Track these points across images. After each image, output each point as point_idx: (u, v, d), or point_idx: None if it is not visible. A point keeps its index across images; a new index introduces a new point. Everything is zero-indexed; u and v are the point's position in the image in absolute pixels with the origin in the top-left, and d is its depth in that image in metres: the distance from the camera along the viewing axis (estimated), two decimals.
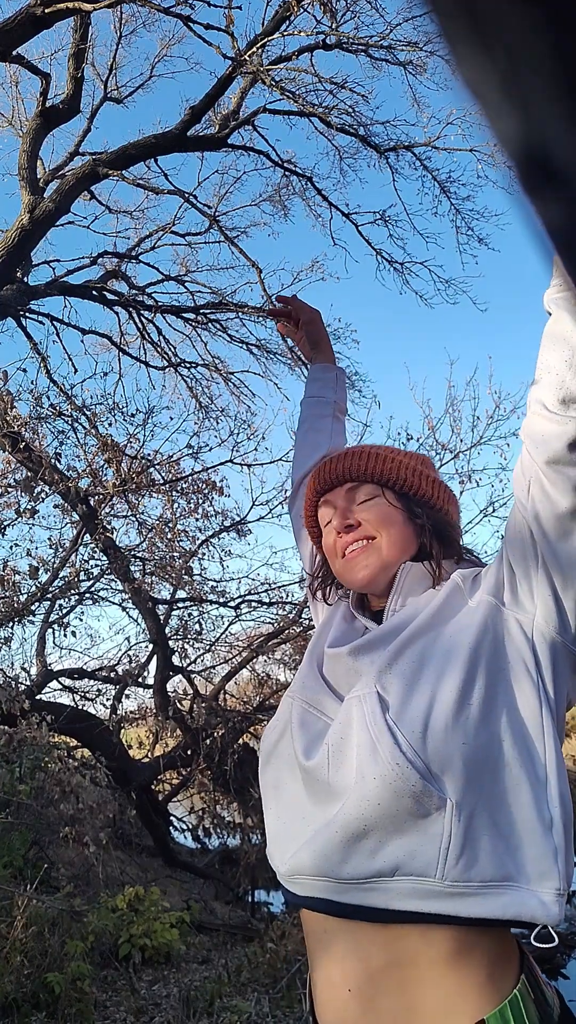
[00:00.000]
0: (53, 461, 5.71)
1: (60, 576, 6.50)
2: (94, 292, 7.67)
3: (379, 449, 1.06)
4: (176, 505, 6.97)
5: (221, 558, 7.27)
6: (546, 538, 0.82)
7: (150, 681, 7.07)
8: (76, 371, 9.85)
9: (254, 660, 7.30)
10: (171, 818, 7.62)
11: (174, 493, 6.86)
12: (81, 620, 7.78)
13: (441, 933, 0.78)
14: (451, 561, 1.01)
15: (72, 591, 6.83)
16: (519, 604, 0.86)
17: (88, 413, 6.36)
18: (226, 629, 7.53)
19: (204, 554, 7.13)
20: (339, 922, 0.83)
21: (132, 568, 6.46)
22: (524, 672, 0.83)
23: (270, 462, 6.97)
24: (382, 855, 0.79)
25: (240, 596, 7.27)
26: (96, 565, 6.78)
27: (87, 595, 7.05)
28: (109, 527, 6.23)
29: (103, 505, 6.15)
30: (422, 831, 0.78)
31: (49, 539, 6.58)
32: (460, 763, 0.78)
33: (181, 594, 7.13)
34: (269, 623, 7.37)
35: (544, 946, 0.78)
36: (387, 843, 0.79)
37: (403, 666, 0.87)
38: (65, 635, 6.80)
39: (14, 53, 4.96)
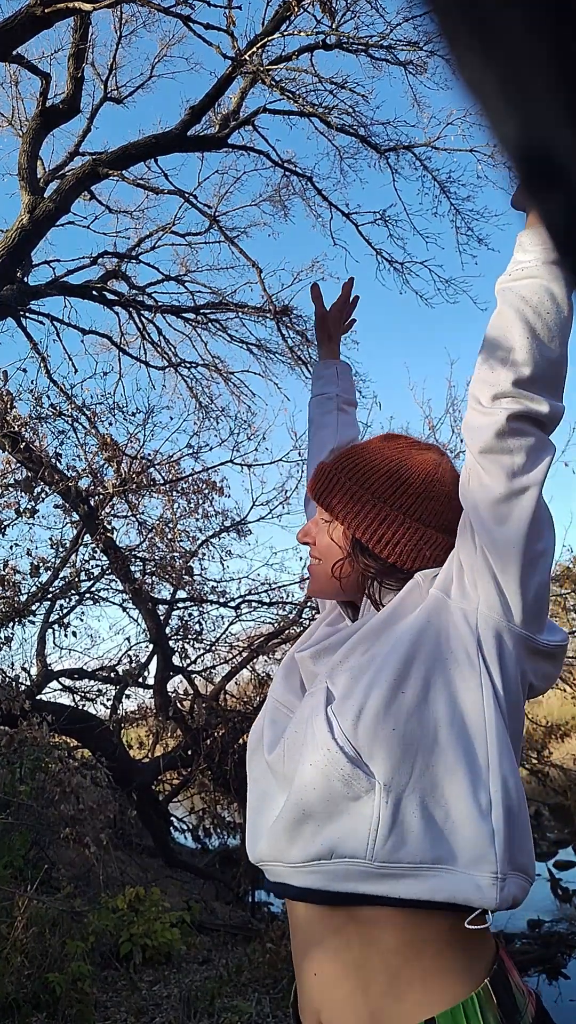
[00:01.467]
0: (53, 461, 5.71)
1: (60, 576, 6.50)
2: (94, 292, 7.67)
3: (352, 475, 1.00)
4: (176, 505, 6.98)
5: (221, 558, 7.28)
6: (484, 526, 0.85)
7: (150, 681, 7.08)
8: (76, 371, 9.86)
9: (254, 660, 7.29)
10: (171, 818, 7.62)
11: (174, 493, 6.87)
12: (81, 620, 7.78)
13: (385, 916, 0.80)
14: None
15: (72, 591, 6.83)
16: (464, 595, 0.88)
17: (88, 413, 6.37)
18: (226, 629, 7.53)
19: (204, 554, 7.14)
20: (302, 907, 0.88)
21: (132, 568, 6.46)
22: (466, 661, 0.85)
23: (270, 462, 6.97)
24: (319, 838, 0.82)
25: (240, 596, 7.27)
26: (96, 565, 6.79)
27: (87, 595, 7.05)
28: (109, 527, 6.24)
29: (103, 505, 6.15)
30: (354, 813, 0.81)
31: (50, 539, 6.58)
32: (389, 747, 0.81)
33: (181, 594, 7.13)
34: (269, 623, 7.37)
35: (477, 927, 0.79)
36: (324, 826, 0.82)
37: (352, 662, 0.90)
38: (65, 635, 6.80)
39: (14, 53, 4.96)
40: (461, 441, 6.84)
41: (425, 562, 0.95)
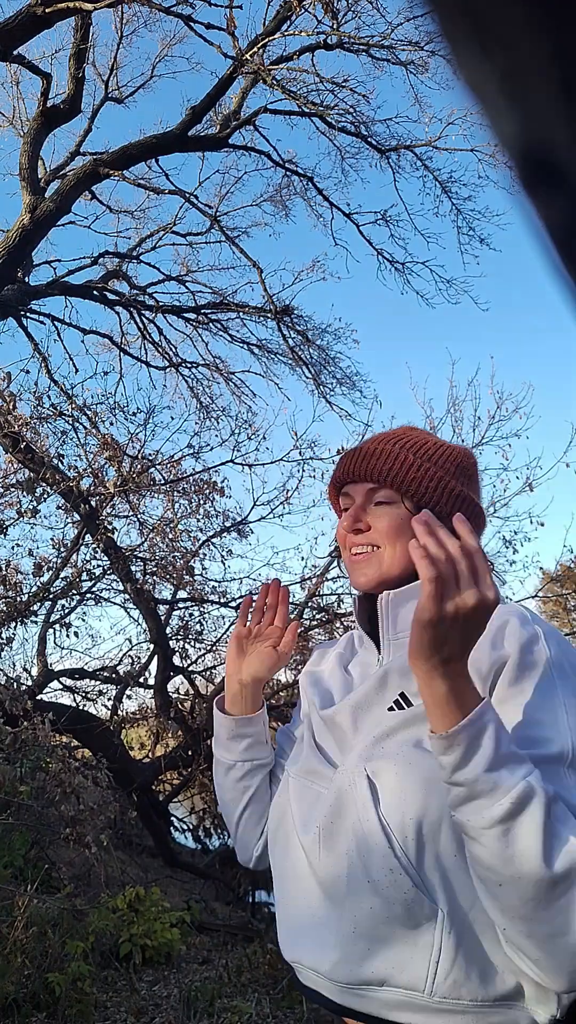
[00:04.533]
0: (55, 462, 5.71)
1: (61, 576, 6.50)
2: (95, 292, 7.67)
3: (409, 450, 0.97)
4: (177, 505, 6.98)
5: (222, 558, 7.28)
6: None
7: (151, 681, 7.08)
8: (77, 371, 9.89)
9: None
10: (172, 818, 7.62)
11: (175, 493, 6.87)
12: (83, 620, 7.78)
13: None
14: None
15: (73, 591, 6.83)
16: None
17: (89, 413, 6.37)
18: (227, 629, 7.53)
19: (205, 554, 7.14)
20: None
21: (133, 568, 6.46)
22: None
23: (271, 462, 6.96)
24: (371, 964, 0.77)
25: (241, 596, 7.26)
26: (97, 565, 6.78)
27: (88, 595, 7.05)
28: (110, 527, 6.24)
29: (104, 505, 6.15)
30: (411, 942, 0.76)
31: (52, 539, 6.59)
32: (453, 874, 0.75)
33: (182, 594, 7.13)
34: None
35: None
36: (378, 951, 0.77)
37: (394, 747, 0.83)
38: (67, 635, 6.81)
39: (15, 53, 4.97)
40: (463, 441, 6.80)
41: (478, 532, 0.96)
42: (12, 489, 5.87)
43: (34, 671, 6.68)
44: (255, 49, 5.81)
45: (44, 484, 5.63)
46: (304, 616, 6.69)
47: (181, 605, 7.33)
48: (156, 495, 6.82)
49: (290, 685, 7.92)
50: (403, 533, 0.93)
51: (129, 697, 7.53)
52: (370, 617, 1.01)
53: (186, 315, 8.29)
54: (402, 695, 0.88)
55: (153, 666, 7.03)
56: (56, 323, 7.59)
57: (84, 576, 6.67)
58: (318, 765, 0.92)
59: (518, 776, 0.70)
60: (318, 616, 6.83)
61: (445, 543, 0.74)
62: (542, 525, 6.67)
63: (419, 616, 0.73)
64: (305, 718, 1.03)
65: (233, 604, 7.23)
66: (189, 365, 8.37)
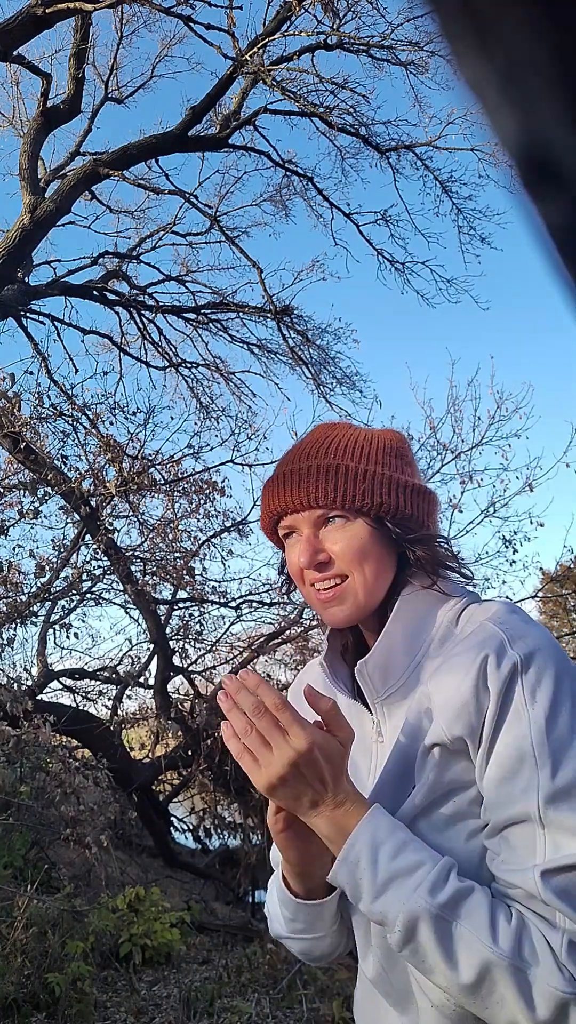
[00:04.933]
0: (57, 463, 5.72)
1: (61, 576, 6.51)
2: (95, 292, 7.68)
3: (343, 457, 0.88)
4: (177, 505, 6.98)
5: (222, 558, 7.27)
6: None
7: (151, 682, 7.08)
8: (77, 371, 9.88)
9: (255, 660, 7.29)
10: (172, 818, 7.62)
11: (175, 493, 6.87)
12: (83, 621, 7.78)
13: None
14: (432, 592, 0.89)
15: (73, 591, 6.83)
16: None
17: (89, 413, 6.37)
18: (227, 629, 7.53)
19: (205, 554, 7.13)
20: None
21: (133, 568, 6.46)
22: None
23: (271, 462, 6.96)
24: None
25: (241, 596, 7.27)
26: (97, 566, 6.79)
27: (88, 595, 7.06)
28: (110, 527, 6.24)
29: (104, 505, 6.15)
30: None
31: (52, 540, 6.59)
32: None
33: (182, 594, 7.13)
34: (270, 623, 7.38)
35: None
36: None
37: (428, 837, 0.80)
38: (67, 636, 6.81)
39: (15, 53, 4.97)
40: (463, 441, 6.76)
41: (432, 528, 0.91)
42: (14, 490, 5.88)
43: (34, 671, 6.69)
44: (255, 49, 5.81)
45: (45, 485, 5.64)
46: (304, 616, 6.69)
47: (181, 605, 7.33)
48: (156, 495, 6.83)
49: (290, 685, 7.92)
50: (367, 553, 0.86)
51: (129, 697, 7.55)
52: (344, 646, 0.98)
53: (186, 315, 8.29)
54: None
55: (153, 666, 7.03)
56: (56, 323, 7.60)
57: (84, 576, 6.68)
58: None
59: (402, 899, 0.70)
60: (318, 616, 6.82)
61: (238, 717, 0.75)
62: (542, 525, 6.67)
63: (258, 787, 0.75)
64: None
65: (233, 604, 7.24)
66: (189, 365, 8.38)
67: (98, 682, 7.41)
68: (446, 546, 0.92)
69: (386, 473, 0.87)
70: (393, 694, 0.86)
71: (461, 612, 0.87)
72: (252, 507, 7.13)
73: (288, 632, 7.01)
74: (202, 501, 6.96)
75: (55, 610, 6.80)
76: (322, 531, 0.88)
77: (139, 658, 7.36)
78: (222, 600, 7.24)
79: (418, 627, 0.87)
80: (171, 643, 7.02)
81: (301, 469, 0.88)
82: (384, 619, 0.88)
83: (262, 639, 7.19)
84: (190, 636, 7.37)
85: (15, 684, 5.87)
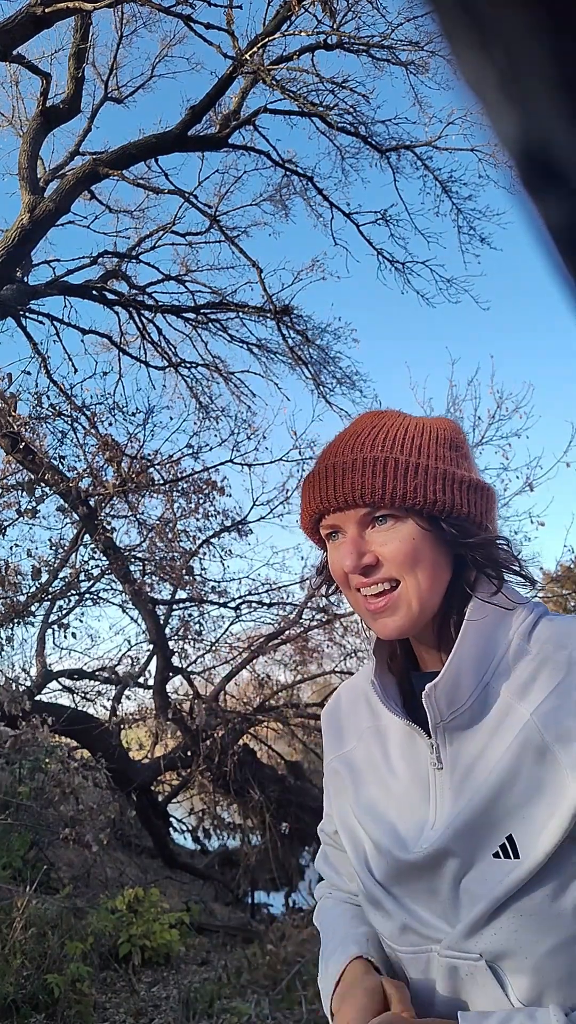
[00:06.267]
0: (55, 462, 5.71)
1: (60, 576, 6.51)
2: (94, 292, 7.67)
3: (393, 450, 0.80)
4: (176, 505, 6.98)
5: (221, 558, 7.28)
6: None
7: (150, 682, 7.08)
8: (76, 371, 9.86)
9: (254, 661, 7.30)
10: (171, 819, 7.62)
11: (174, 493, 6.87)
12: (81, 621, 7.78)
13: None
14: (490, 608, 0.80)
15: (72, 591, 6.83)
16: None
17: (88, 413, 6.38)
18: (226, 629, 7.54)
19: (204, 554, 7.14)
20: None
21: (132, 568, 6.46)
22: None
23: (270, 462, 6.98)
24: None
25: (240, 596, 7.27)
26: (96, 565, 6.79)
27: (87, 595, 7.06)
28: (109, 527, 6.24)
29: (103, 505, 6.15)
30: None
31: (50, 540, 6.59)
32: None
33: (181, 594, 7.13)
34: (269, 624, 7.38)
35: None
36: None
37: (511, 922, 0.71)
38: (65, 636, 6.81)
39: (14, 53, 4.97)
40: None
41: (491, 528, 0.84)
42: (12, 490, 5.88)
43: (33, 671, 6.69)
44: (255, 49, 5.81)
45: (43, 485, 5.64)
46: (303, 616, 6.69)
47: (180, 605, 7.34)
48: (155, 495, 6.83)
49: (290, 685, 7.92)
50: (420, 556, 0.78)
51: (128, 697, 7.55)
52: (391, 656, 0.89)
53: (185, 315, 8.29)
54: (509, 838, 0.72)
55: (152, 666, 7.04)
56: (55, 323, 7.59)
57: (82, 576, 6.68)
58: (409, 920, 0.79)
59: None
60: (318, 616, 6.83)
61: None
62: (542, 525, 6.68)
63: None
64: (348, 832, 0.88)
65: (232, 604, 7.24)
66: (188, 365, 8.38)
67: (97, 682, 7.41)
68: (507, 548, 0.83)
69: (440, 467, 0.79)
70: (458, 717, 0.78)
71: (533, 627, 0.80)
72: (252, 507, 7.14)
73: (288, 632, 7.01)
74: (201, 501, 6.97)
75: (53, 610, 6.80)
76: (368, 532, 0.79)
77: (138, 658, 7.37)
78: (221, 600, 7.25)
79: (487, 644, 0.79)
80: (170, 643, 7.03)
81: (345, 463, 0.79)
82: (438, 628, 0.82)
83: (261, 639, 7.19)
84: (189, 636, 7.38)
85: (14, 684, 5.87)
